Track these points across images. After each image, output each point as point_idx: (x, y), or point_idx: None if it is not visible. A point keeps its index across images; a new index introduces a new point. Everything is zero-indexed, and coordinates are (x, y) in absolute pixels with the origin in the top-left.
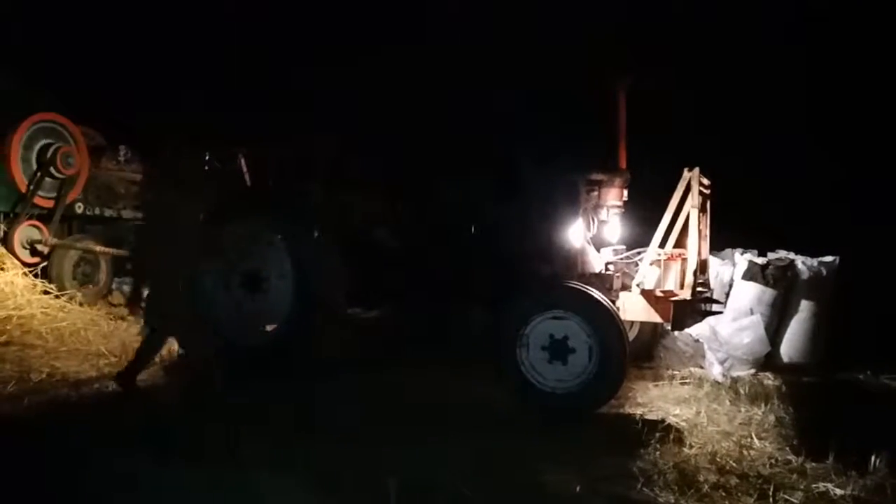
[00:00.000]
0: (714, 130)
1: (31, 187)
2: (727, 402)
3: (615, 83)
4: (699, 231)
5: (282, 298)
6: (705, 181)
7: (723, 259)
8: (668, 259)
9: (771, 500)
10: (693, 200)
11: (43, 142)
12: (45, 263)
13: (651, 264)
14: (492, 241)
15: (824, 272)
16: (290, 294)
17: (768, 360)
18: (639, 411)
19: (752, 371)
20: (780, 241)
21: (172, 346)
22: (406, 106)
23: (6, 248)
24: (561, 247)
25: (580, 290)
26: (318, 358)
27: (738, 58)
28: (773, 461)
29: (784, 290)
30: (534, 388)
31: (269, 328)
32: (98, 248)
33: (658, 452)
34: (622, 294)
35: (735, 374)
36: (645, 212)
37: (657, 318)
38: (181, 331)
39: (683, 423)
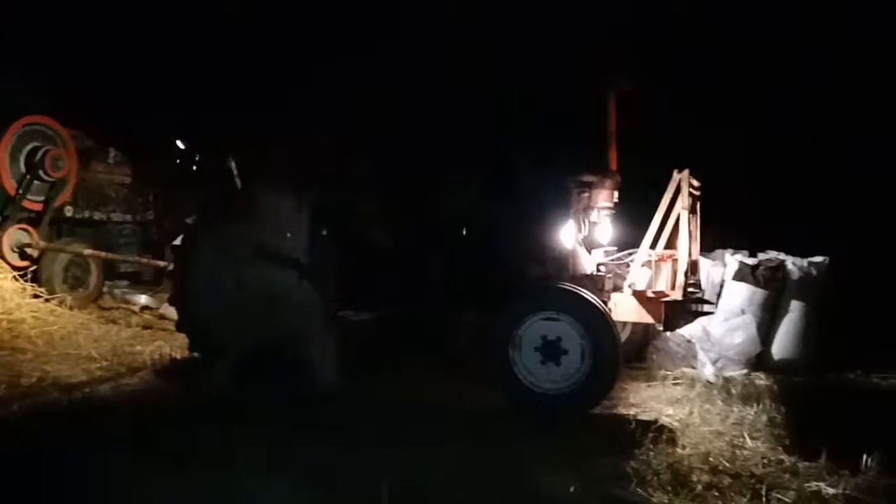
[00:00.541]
0: (703, 131)
1: (20, 191)
2: (719, 403)
3: (606, 86)
4: (689, 232)
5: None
6: (695, 182)
7: (713, 260)
8: (659, 260)
9: (764, 499)
10: (683, 202)
11: (32, 145)
12: (34, 267)
13: (642, 265)
14: (484, 242)
15: (814, 272)
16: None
17: (760, 361)
18: (632, 412)
19: (744, 371)
20: (770, 242)
21: (164, 348)
22: (398, 108)
23: None
24: (553, 248)
25: (572, 291)
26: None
27: (726, 58)
28: (765, 461)
29: (775, 290)
30: (527, 389)
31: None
32: (88, 252)
33: (651, 453)
34: (614, 295)
35: (727, 374)
36: (636, 213)
37: (649, 319)
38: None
39: (676, 424)
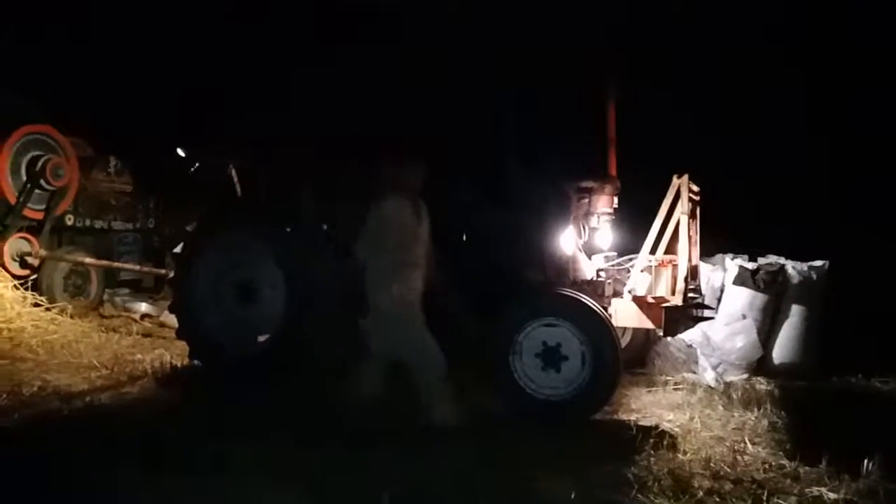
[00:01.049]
0: (700, 134)
1: (21, 199)
2: (720, 408)
3: (606, 92)
4: (689, 237)
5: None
6: (694, 187)
7: (713, 265)
8: (659, 265)
9: None
10: (683, 207)
11: (33, 154)
12: (35, 276)
13: (642, 271)
14: (484, 248)
15: (814, 276)
16: (283, 304)
17: (761, 365)
18: (633, 417)
19: (745, 376)
20: (770, 245)
21: (165, 356)
22: (397, 112)
23: None
24: (553, 254)
25: (573, 297)
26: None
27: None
28: (766, 466)
29: (775, 294)
30: (527, 395)
31: (261, 338)
32: (88, 260)
33: (652, 458)
34: (614, 301)
35: (728, 379)
36: (635, 218)
37: (649, 325)
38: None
39: (677, 429)
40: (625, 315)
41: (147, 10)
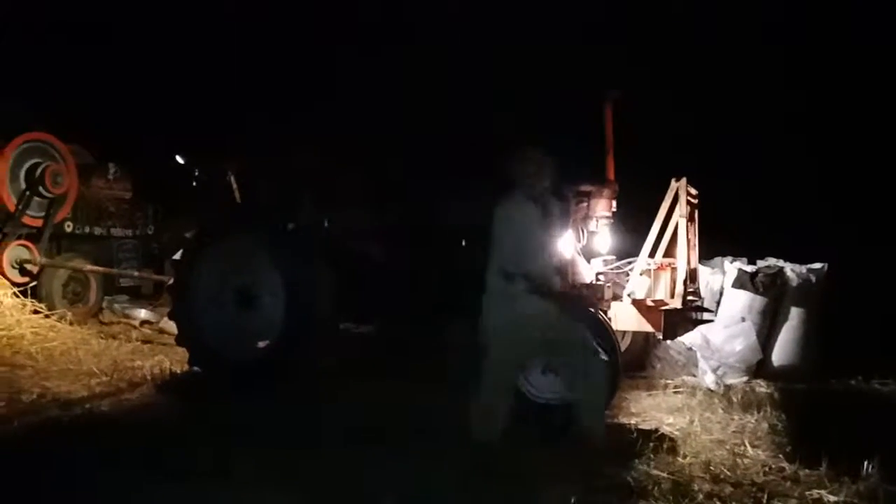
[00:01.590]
0: (699, 137)
1: (20, 207)
2: (720, 411)
3: (603, 96)
4: (688, 240)
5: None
6: (693, 190)
7: (712, 268)
8: (658, 269)
9: None
10: (681, 210)
11: (32, 161)
12: (34, 283)
13: (641, 274)
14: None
15: (813, 279)
16: (282, 310)
17: (760, 368)
18: (632, 421)
19: (745, 379)
20: (768, 249)
21: (164, 363)
22: (395, 116)
23: None
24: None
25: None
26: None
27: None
28: (766, 469)
29: (774, 297)
30: (527, 399)
31: (260, 344)
32: (88, 267)
33: (652, 462)
34: (613, 304)
35: (728, 382)
36: (634, 222)
37: (649, 328)
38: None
39: (677, 433)
40: (624, 318)
41: (146, 17)
